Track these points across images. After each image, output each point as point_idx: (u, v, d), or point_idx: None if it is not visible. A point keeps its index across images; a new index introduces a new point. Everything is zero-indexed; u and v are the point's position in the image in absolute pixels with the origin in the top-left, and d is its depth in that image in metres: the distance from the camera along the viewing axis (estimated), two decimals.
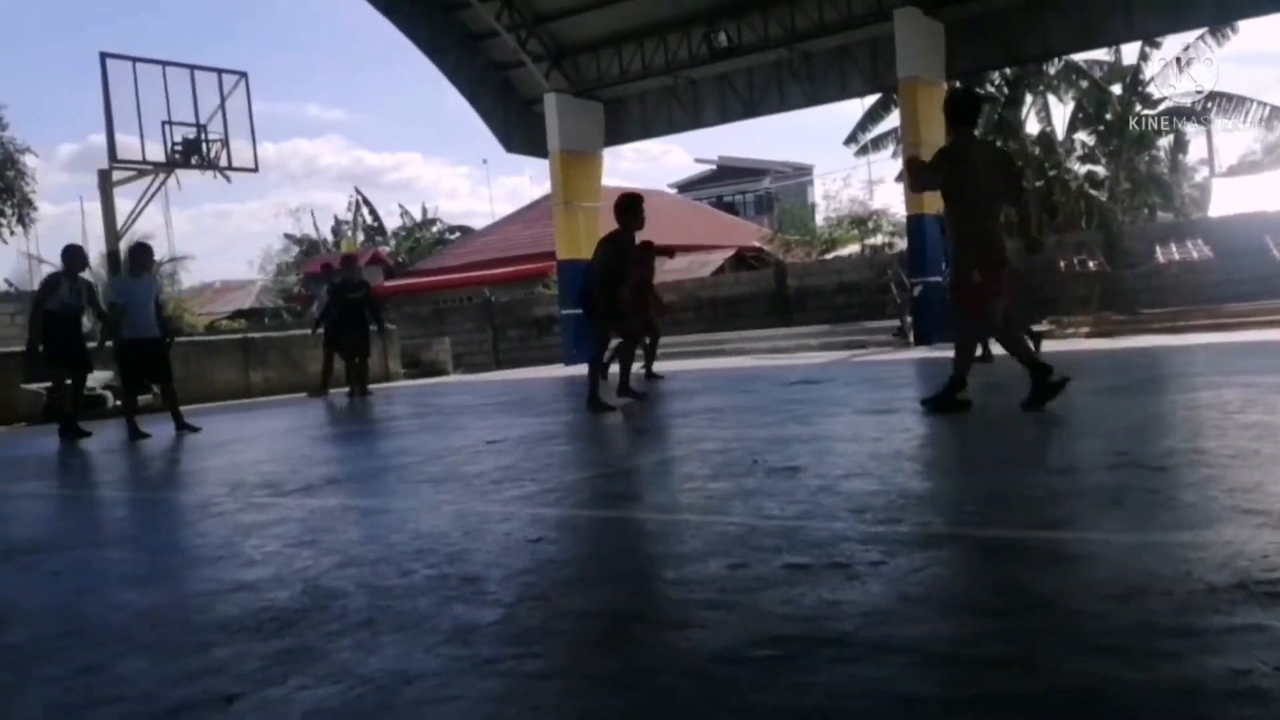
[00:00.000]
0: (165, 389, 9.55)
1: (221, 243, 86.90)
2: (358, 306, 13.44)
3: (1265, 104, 23.11)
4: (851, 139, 26.22)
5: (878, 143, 26.15)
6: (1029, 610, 2.30)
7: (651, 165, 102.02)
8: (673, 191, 48.86)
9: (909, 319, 17.21)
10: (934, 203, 17.37)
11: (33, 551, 4.06)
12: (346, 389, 13.49)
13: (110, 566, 3.65)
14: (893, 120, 24.25)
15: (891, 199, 63.42)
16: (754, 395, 7.71)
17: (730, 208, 48.59)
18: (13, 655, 2.56)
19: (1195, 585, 2.32)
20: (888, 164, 32.14)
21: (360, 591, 2.90)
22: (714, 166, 53.91)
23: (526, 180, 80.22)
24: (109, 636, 2.64)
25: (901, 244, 25.28)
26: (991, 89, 24.47)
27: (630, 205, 8.04)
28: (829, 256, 28.12)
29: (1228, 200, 22.50)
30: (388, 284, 31.85)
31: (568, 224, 20.43)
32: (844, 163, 51.91)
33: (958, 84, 20.19)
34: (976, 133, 6.23)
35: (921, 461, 4.87)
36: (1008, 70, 23.42)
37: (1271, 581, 2.29)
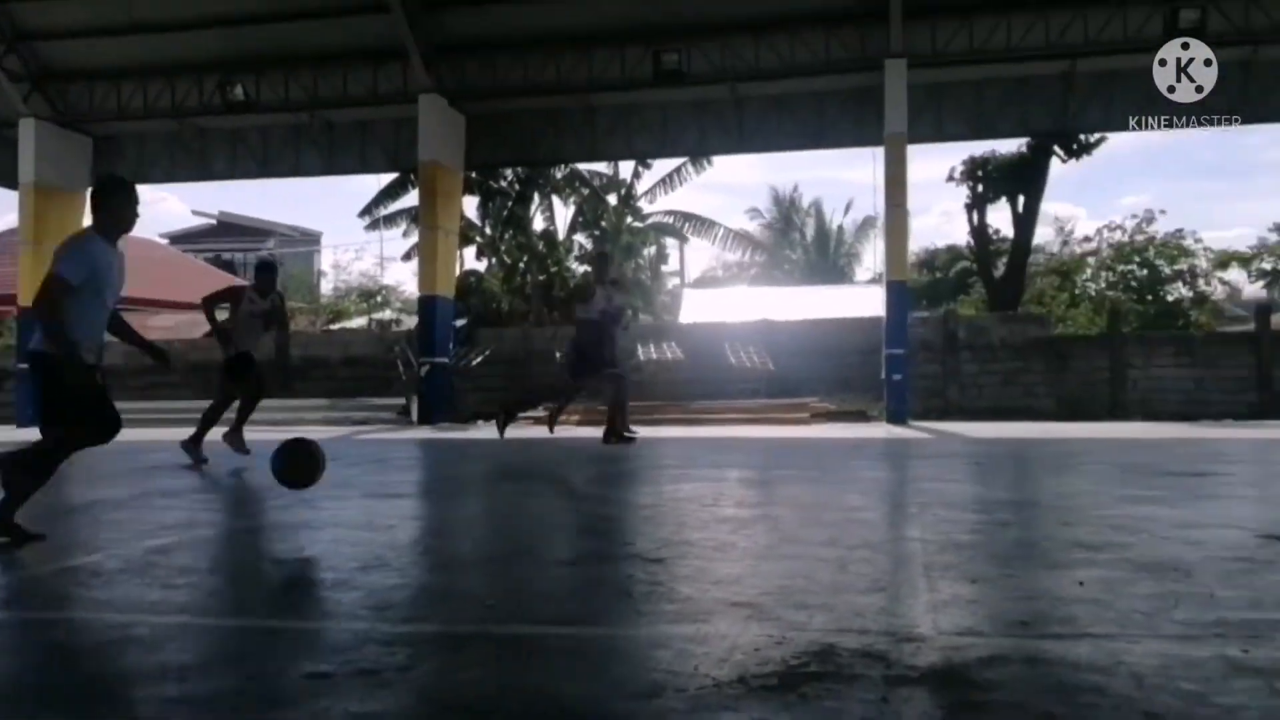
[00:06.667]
0: None
1: None
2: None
3: (728, 228, 27.20)
4: (366, 212, 26.21)
5: (391, 219, 26.42)
6: (563, 717, 2.34)
7: (142, 211, 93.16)
8: (164, 243, 45.05)
9: (414, 398, 17.30)
10: (447, 285, 17.87)
11: None
12: None
13: None
14: (408, 200, 24.63)
15: (402, 276, 63.90)
16: (251, 473, 7.22)
17: (229, 266, 45.76)
18: None
19: (704, 681, 2.51)
20: (399, 242, 32.46)
21: None
22: (214, 221, 50.64)
23: None
24: None
25: (409, 321, 25.49)
26: (505, 183, 25.85)
27: None
28: (335, 327, 27.54)
29: (695, 308, 25.67)
30: None
31: (39, 268, 17.89)
32: (355, 235, 51.47)
33: (473, 174, 20.98)
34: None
35: (440, 552, 4.84)
36: (520, 168, 24.90)
37: (765, 675, 2.55)
